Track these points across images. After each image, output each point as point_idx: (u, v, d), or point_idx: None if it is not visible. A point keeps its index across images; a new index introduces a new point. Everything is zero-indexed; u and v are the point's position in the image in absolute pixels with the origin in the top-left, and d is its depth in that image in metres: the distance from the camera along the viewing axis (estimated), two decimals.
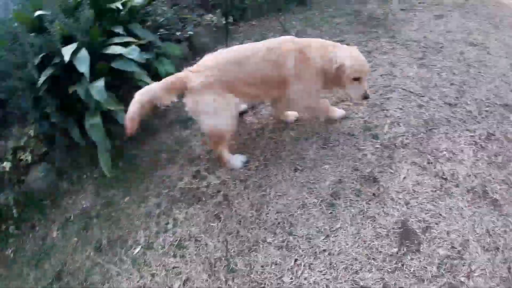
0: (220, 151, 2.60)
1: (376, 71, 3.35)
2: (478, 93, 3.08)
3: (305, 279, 1.99)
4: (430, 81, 3.24)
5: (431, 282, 1.91)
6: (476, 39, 3.82)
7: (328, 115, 2.86)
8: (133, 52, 2.83)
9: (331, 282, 1.96)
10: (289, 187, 2.46)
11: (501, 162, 2.51)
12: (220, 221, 2.35)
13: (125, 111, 2.65)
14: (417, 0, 4.65)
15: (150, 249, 2.32)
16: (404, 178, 2.43)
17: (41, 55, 2.77)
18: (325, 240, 2.14)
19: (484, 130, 2.73)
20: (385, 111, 2.94)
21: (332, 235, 2.16)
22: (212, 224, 2.34)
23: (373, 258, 2.03)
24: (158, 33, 3.61)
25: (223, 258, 2.16)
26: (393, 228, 2.15)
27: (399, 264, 2.00)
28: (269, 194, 2.45)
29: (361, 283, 1.93)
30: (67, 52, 2.60)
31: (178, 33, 3.82)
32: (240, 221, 2.32)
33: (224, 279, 2.08)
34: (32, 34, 2.91)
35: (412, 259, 2.01)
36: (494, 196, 2.30)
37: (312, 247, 2.11)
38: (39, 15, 2.89)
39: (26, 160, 2.95)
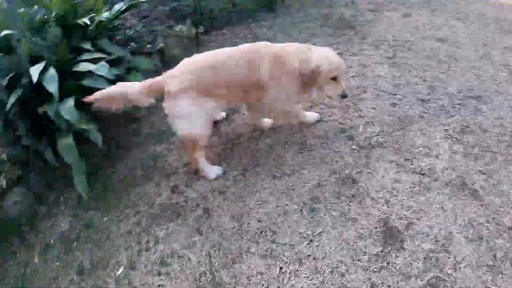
0: (196, 159, 2.59)
1: (347, 73, 3.36)
2: (450, 87, 3.14)
3: (292, 286, 1.96)
4: (402, 79, 3.28)
5: (418, 278, 1.92)
6: (445, 35, 3.93)
7: (302, 120, 2.86)
8: (102, 69, 2.76)
9: (318, 287, 1.94)
10: (268, 195, 2.44)
11: (477, 153, 2.55)
12: (201, 235, 2.30)
13: (98, 129, 2.61)
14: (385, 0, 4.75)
15: (134, 269, 2.25)
16: (383, 176, 2.44)
17: (9, 76, 2.68)
18: (308, 245, 2.11)
19: (458, 123, 2.78)
20: (358, 111, 2.96)
21: (315, 240, 2.13)
22: (194, 239, 2.28)
23: (358, 259, 2.02)
24: (128, 47, 3.55)
25: (208, 272, 2.11)
26: (375, 228, 2.15)
27: (385, 262, 1.99)
28: (249, 203, 2.41)
29: (349, 285, 1.92)
30: (35, 72, 2.53)
31: (148, 46, 3.77)
32: (222, 233, 2.28)
33: None
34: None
35: (397, 256, 2.01)
36: (474, 187, 2.33)
37: (296, 253, 2.09)
38: (5, 35, 2.80)
39: (1, 185, 2.85)
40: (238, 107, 3.09)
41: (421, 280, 1.90)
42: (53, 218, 2.74)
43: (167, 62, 3.79)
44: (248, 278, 2.04)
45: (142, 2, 4.21)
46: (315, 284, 1.95)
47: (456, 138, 2.67)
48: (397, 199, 2.29)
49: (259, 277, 2.03)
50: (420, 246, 2.05)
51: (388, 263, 1.99)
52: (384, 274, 1.94)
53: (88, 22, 3.01)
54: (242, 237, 2.23)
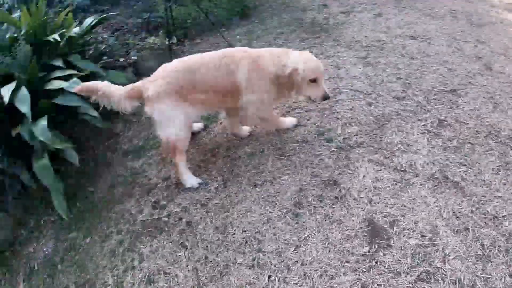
0: (177, 162, 2.60)
1: None
2: (424, 83, 3.18)
3: None
4: (376, 78, 3.32)
5: (408, 274, 1.91)
6: (416, 32, 4.00)
7: (280, 126, 2.85)
8: (74, 85, 2.71)
9: None
10: (251, 204, 2.41)
11: (456, 146, 2.58)
12: (186, 249, 2.25)
13: (74, 148, 2.55)
14: (356, 1, 4.82)
15: None
16: (364, 176, 2.44)
17: None
18: (295, 251, 2.09)
19: (435, 118, 2.81)
20: (335, 113, 2.97)
21: (302, 245, 2.11)
22: (179, 254, 2.24)
23: (346, 261, 2.00)
24: (101, 61, 3.52)
25: (196, 287, 2.06)
26: (361, 228, 2.14)
27: (373, 262, 1.98)
28: (232, 214, 2.38)
29: None
30: (6, 92, 2.51)
31: (121, 60, 3.75)
32: (207, 246, 2.23)
33: None
34: None
35: (385, 254, 2.00)
36: (455, 179, 2.36)
37: (284, 260, 2.06)
38: None
39: None
40: (216, 112, 3.08)
41: (411, 276, 1.90)
42: (35, 242, 2.68)
43: (141, 75, 3.73)
44: None
45: (113, 15, 4.20)
46: None
47: (434, 132, 2.70)
48: (380, 198, 2.29)
49: (248, 287, 1.99)
50: (407, 242, 2.05)
51: (376, 262, 1.98)
52: (374, 273, 1.93)
53: (59, 39, 2.99)
54: (228, 249, 2.19)
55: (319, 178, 2.48)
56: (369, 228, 2.14)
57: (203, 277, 2.09)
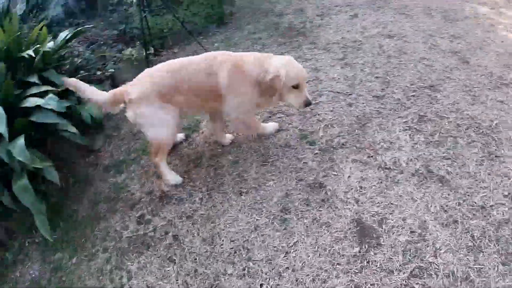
0: (158, 163, 2.60)
1: None
2: (403, 81, 3.21)
3: None
4: (355, 78, 3.34)
5: (401, 271, 1.91)
6: (392, 31, 4.04)
7: (261, 132, 2.83)
8: (51, 102, 2.68)
9: None
10: (238, 213, 2.38)
11: (438, 140, 2.60)
12: (175, 263, 2.20)
13: (54, 166, 2.48)
14: (331, 4, 4.86)
15: None
16: (349, 177, 2.44)
17: None
18: (285, 257, 2.06)
19: (415, 114, 2.84)
20: (317, 116, 2.97)
21: (292, 251, 2.09)
22: (167, 269, 2.18)
23: (337, 263, 1.99)
24: (78, 76, 3.42)
25: None
26: (349, 229, 2.13)
27: (364, 262, 1.97)
28: (219, 224, 2.34)
29: None
30: None
31: (98, 73, 3.68)
32: (196, 259, 2.19)
33: None
34: None
35: (375, 254, 2.00)
36: (440, 173, 2.38)
37: (274, 267, 2.03)
38: None
39: None
40: (197, 120, 3.06)
41: (404, 273, 1.90)
42: (20, 265, 2.59)
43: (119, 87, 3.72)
44: None
45: (88, 28, 4.13)
46: None
47: (415, 128, 2.72)
48: (366, 197, 2.29)
49: None
50: (397, 240, 2.05)
51: (368, 262, 1.97)
52: (366, 273, 1.93)
53: (33, 54, 2.92)
54: (217, 260, 2.15)
55: (304, 182, 2.46)
56: (358, 228, 2.13)
57: None
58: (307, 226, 2.19)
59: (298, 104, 2.45)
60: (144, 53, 3.87)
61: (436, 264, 1.92)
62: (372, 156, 2.55)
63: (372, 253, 2.00)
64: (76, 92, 2.55)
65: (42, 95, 2.72)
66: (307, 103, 2.45)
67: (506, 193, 2.25)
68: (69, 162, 3.03)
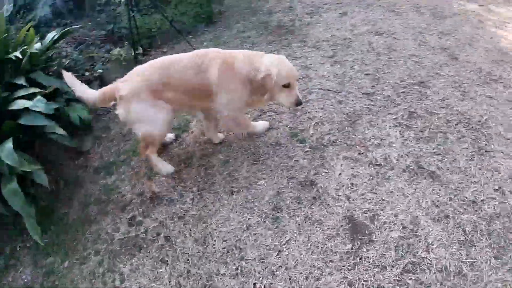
0: (148, 155, 2.62)
1: None
2: (393, 78, 3.23)
3: None
4: (345, 76, 3.34)
5: (394, 267, 1.92)
6: (381, 28, 4.06)
7: (252, 131, 2.82)
8: (39, 104, 2.63)
9: None
10: (229, 212, 2.36)
11: (428, 136, 2.62)
12: (167, 264, 2.18)
13: (43, 169, 2.47)
14: (321, 2, 4.86)
15: None
16: (340, 174, 2.44)
17: None
18: (278, 256, 2.06)
19: (405, 110, 2.85)
20: (307, 113, 2.97)
21: (284, 249, 2.08)
22: (160, 270, 2.16)
23: (330, 261, 1.99)
24: None
25: None
26: (341, 226, 2.13)
27: (357, 258, 1.98)
28: (211, 224, 2.33)
29: None
30: None
31: (87, 74, 3.64)
32: (188, 260, 2.17)
33: None
34: None
35: (368, 250, 2.01)
36: (430, 169, 2.39)
37: (267, 266, 2.02)
38: None
39: None
40: (191, 117, 3.06)
41: (396, 269, 1.91)
42: (13, 270, 2.54)
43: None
44: None
45: (76, 28, 4.08)
46: None
47: (405, 124, 2.73)
48: (357, 194, 2.29)
49: None
50: (389, 236, 2.06)
51: (361, 259, 1.98)
52: (359, 270, 1.93)
53: (20, 56, 2.87)
54: (209, 260, 2.13)
55: (295, 180, 2.46)
56: (350, 225, 2.13)
57: None
58: (299, 224, 2.19)
59: (289, 103, 2.43)
60: (133, 53, 3.84)
61: (428, 259, 1.93)
62: (362, 153, 2.55)
63: (364, 250, 2.01)
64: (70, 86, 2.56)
65: (30, 97, 2.67)
66: (298, 103, 2.43)
67: (496, 188, 2.27)
68: (58, 164, 2.98)
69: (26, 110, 2.60)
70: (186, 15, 4.60)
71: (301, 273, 1.96)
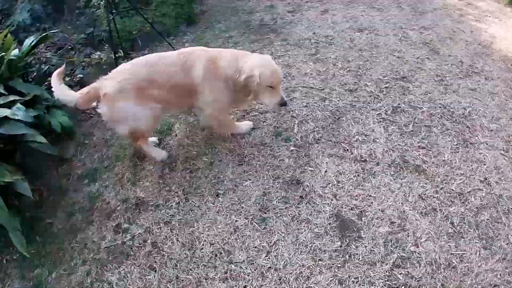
0: (140, 145, 2.65)
1: None
2: (375, 73, 3.25)
3: None
4: (328, 73, 3.34)
5: (383, 262, 1.93)
6: (363, 24, 4.08)
7: (236, 132, 2.80)
8: (18, 112, 2.56)
9: None
10: (216, 215, 2.33)
11: (412, 130, 2.65)
12: (155, 271, 2.13)
13: (25, 179, 2.42)
14: (302, 0, 4.86)
15: None
16: (326, 172, 2.43)
17: None
18: (267, 257, 2.04)
19: (388, 105, 2.87)
20: (291, 112, 2.95)
21: (273, 250, 2.07)
22: (148, 277, 2.12)
23: (319, 259, 1.99)
24: (46, 83, 3.30)
25: None
26: (329, 224, 2.13)
27: (347, 256, 1.98)
28: (198, 228, 2.29)
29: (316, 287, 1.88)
30: None
31: (67, 79, 3.54)
32: (176, 265, 2.13)
33: None
34: None
35: (357, 247, 2.01)
36: (416, 163, 2.42)
37: (257, 268, 2.00)
38: None
39: None
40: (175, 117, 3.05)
41: (386, 264, 1.92)
42: (0, 284, 2.45)
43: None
44: None
45: (55, 33, 4.01)
46: None
47: (389, 120, 2.75)
48: (344, 191, 2.30)
49: None
50: (377, 231, 2.07)
51: (350, 256, 1.98)
52: (349, 267, 1.94)
53: None
54: (198, 265, 2.10)
55: (281, 179, 2.44)
56: (338, 222, 2.13)
57: None
58: (286, 224, 2.18)
59: (273, 104, 2.41)
60: (113, 57, 3.76)
61: (418, 253, 1.95)
62: (348, 150, 2.56)
63: (353, 247, 2.01)
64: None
65: (9, 105, 2.60)
66: (283, 103, 2.42)
67: (482, 179, 2.31)
68: (41, 173, 2.91)
69: (6, 118, 2.53)
70: (167, 16, 4.53)
71: (291, 273, 1.95)
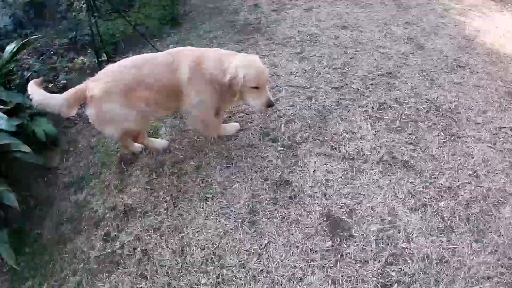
0: (143, 143, 2.74)
1: None
2: (361, 70, 3.25)
3: None
4: (313, 71, 3.34)
5: (375, 260, 1.93)
6: (347, 22, 4.09)
7: (222, 134, 2.77)
8: (0, 121, 2.51)
9: None
10: (205, 220, 2.30)
11: (399, 126, 2.65)
12: (147, 279, 2.10)
13: (11, 189, 2.37)
14: None
15: None
16: (314, 171, 2.43)
17: None
18: (258, 260, 2.03)
19: (375, 102, 2.88)
20: (277, 111, 2.94)
21: (264, 253, 2.05)
22: (140, 286, 2.08)
23: (311, 260, 1.98)
24: None
25: None
26: (320, 224, 2.13)
27: (338, 255, 1.98)
28: (188, 233, 2.26)
29: None
30: None
31: (50, 85, 3.50)
32: (168, 272, 2.10)
33: None
34: None
35: (348, 246, 2.01)
36: (404, 159, 2.42)
37: (249, 272, 1.99)
38: None
39: None
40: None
41: (379, 262, 1.92)
42: None
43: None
44: None
45: (37, 38, 3.93)
46: None
47: (376, 116, 2.75)
48: (333, 190, 2.29)
49: None
50: (368, 229, 2.07)
51: (342, 255, 1.98)
52: (341, 266, 1.93)
53: None
54: (189, 271, 2.07)
55: (270, 180, 2.43)
56: (328, 222, 2.13)
57: None
58: (277, 226, 2.17)
59: (259, 105, 2.37)
60: (97, 61, 3.71)
61: (409, 249, 1.95)
62: (335, 148, 2.56)
63: (345, 246, 2.01)
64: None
65: None
66: (270, 104, 2.38)
67: (471, 172, 2.33)
68: (27, 183, 2.86)
69: None
70: (150, 18, 4.49)
71: (283, 275, 1.94)
